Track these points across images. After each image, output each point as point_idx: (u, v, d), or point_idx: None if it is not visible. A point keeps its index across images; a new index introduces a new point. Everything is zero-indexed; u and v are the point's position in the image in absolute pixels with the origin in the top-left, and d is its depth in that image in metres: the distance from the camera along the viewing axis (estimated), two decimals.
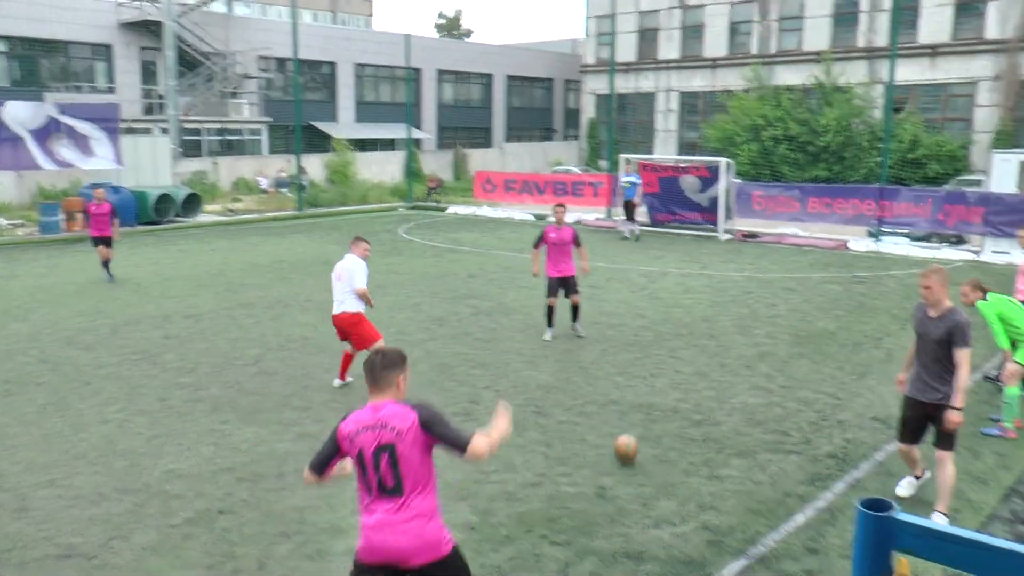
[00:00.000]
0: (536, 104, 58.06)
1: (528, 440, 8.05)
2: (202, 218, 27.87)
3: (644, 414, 8.81)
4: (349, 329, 9.79)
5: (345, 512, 6.34)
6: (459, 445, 4.00)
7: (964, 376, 6.12)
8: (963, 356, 6.10)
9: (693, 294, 15.21)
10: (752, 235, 23.30)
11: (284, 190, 35.59)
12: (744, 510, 6.55)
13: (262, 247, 21.72)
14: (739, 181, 26.34)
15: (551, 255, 12.03)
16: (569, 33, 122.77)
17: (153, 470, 7.40)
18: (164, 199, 26.47)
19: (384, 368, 4.15)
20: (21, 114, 24.90)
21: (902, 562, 2.04)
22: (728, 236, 23.25)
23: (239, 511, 6.59)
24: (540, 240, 12.19)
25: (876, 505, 2.04)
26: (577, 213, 27.81)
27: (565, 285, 12.04)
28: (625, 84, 45.75)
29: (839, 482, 7.10)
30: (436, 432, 4.03)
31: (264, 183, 36.34)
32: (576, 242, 12.09)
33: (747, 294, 15.25)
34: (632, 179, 23.65)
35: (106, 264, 17.00)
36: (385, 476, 3.99)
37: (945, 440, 6.27)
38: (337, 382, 9.92)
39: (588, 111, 48.94)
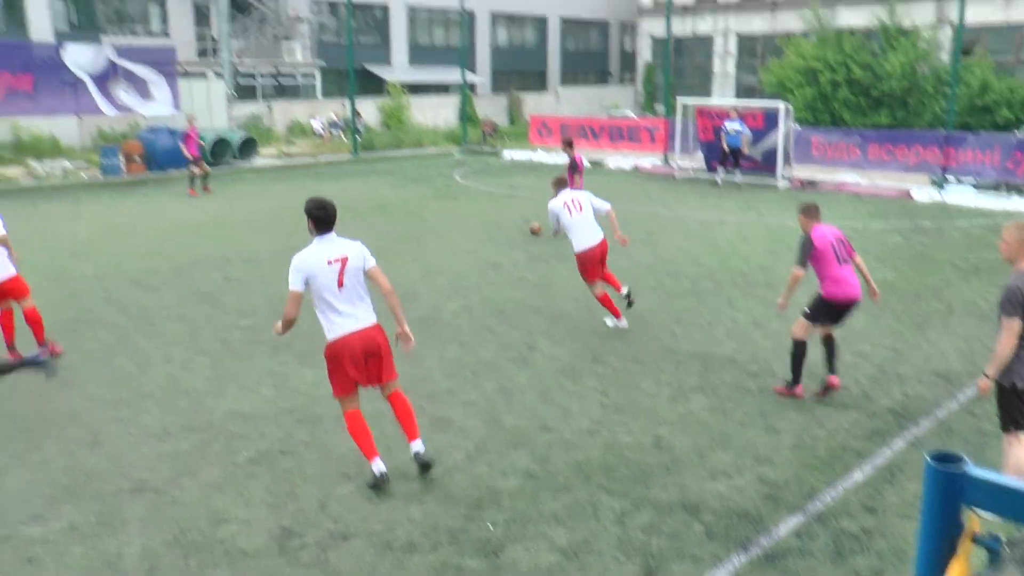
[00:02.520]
0: (591, 47, 57.15)
1: (584, 387, 8.09)
2: (258, 162, 28.14)
3: (700, 363, 8.78)
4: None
5: (405, 457, 6.45)
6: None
7: (1002, 346, 5.50)
8: (1003, 324, 5.51)
9: (751, 243, 15.01)
10: (811, 183, 22.84)
11: (337, 132, 35.70)
12: (800, 464, 6.52)
13: (317, 191, 21.69)
14: (798, 127, 25.73)
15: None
16: None
17: (216, 410, 7.60)
18: (220, 143, 26.73)
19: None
20: (81, 58, 25.22)
21: (973, 519, 2.00)
22: (786, 183, 22.82)
23: (299, 452, 6.75)
24: None
25: (946, 458, 1.99)
26: (632, 158, 27.52)
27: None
28: (682, 27, 44.77)
29: (898, 439, 7.01)
30: None
31: (318, 126, 36.46)
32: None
33: None
34: (737, 126, 22.26)
35: (204, 178, 21.22)
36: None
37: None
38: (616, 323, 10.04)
39: (644, 55, 48.04)
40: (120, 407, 7.67)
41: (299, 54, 41.73)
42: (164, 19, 39.08)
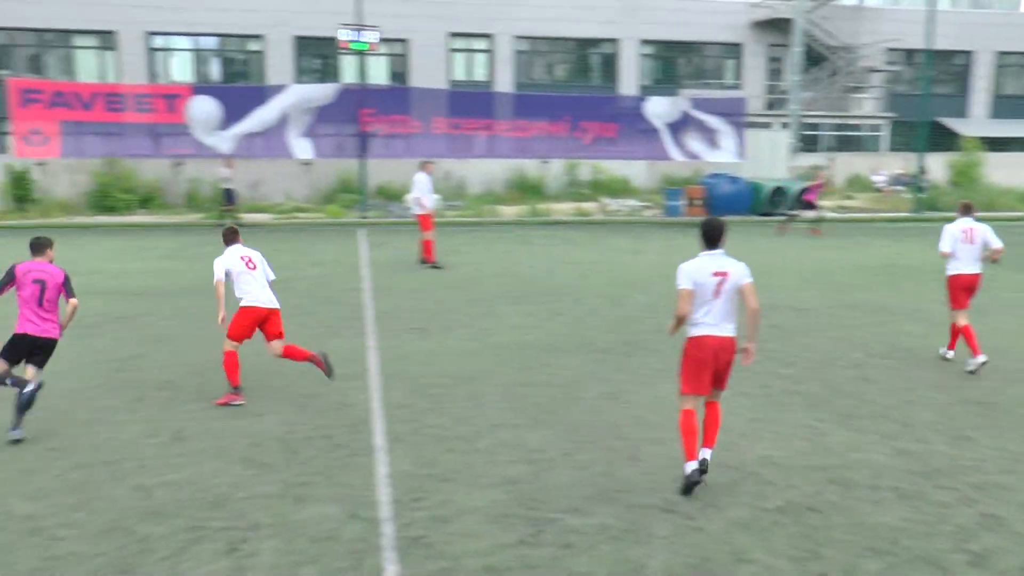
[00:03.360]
0: None
1: None
2: (808, 214, 27.86)
3: None
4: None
5: (944, 546, 5.81)
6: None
7: None
8: None
9: None
10: None
11: (900, 188, 33.95)
12: None
13: (871, 248, 21.02)
14: None
15: None
16: None
17: (749, 452, 7.62)
18: (778, 192, 27.07)
19: None
20: (660, 109, 27.48)
21: None
22: None
23: (828, 512, 6.46)
24: None
25: None
26: None
27: None
28: None
29: None
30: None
31: (880, 181, 35.04)
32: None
33: None
34: None
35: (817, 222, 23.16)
36: None
37: None
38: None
39: None
40: (659, 430, 8.10)
41: (868, 105, 40.63)
42: (738, 73, 40.88)
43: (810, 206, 24.11)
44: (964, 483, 7.02)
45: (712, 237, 6.78)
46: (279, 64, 36.97)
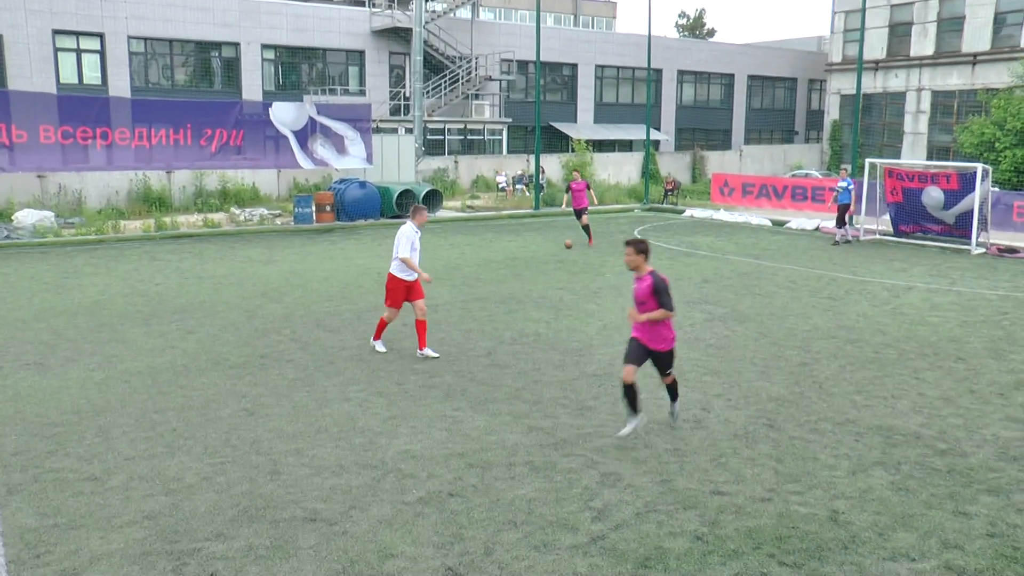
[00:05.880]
0: (777, 105, 56.24)
1: (758, 454, 7.80)
2: (442, 213, 29.18)
3: (883, 437, 8.29)
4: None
5: (573, 507, 6.44)
6: None
7: None
8: None
9: (940, 311, 14.16)
10: (1011, 250, 21.35)
11: (521, 188, 36.54)
12: (995, 554, 6.01)
13: (497, 243, 22.41)
14: (997, 190, 24.24)
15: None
16: (815, 30, 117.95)
17: (388, 448, 7.84)
18: (406, 195, 27.93)
19: None
20: (286, 116, 27.11)
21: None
22: (982, 249, 21.46)
23: (468, 496, 6.84)
24: None
25: None
26: (817, 219, 26.66)
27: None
28: (871, 83, 43.37)
29: None
30: None
31: (502, 181, 37.46)
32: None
33: (1002, 315, 13.99)
34: (846, 184, 22.91)
35: (585, 228, 22.52)
36: None
37: None
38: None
39: (832, 112, 46.80)
40: (298, 439, 8.05)
41: (488, 112, 43.23)
42: (362, 79, 41.50)
43: None
44: (587, 448, 7.82)
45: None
46: None
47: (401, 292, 11.10)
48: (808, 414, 8.95)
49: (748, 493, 6.93)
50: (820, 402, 9.35)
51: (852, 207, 23.10)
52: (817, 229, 25.73)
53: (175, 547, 5.99)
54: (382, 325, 11.41)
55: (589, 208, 23.39)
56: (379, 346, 11.43)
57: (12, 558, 5.85)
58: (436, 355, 10.99)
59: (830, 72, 46.81)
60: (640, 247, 7.85)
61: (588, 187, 23.46)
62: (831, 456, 7.77)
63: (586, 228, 22.88)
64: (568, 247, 20.85)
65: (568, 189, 23.35)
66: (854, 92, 29.24)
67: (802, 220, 26.94)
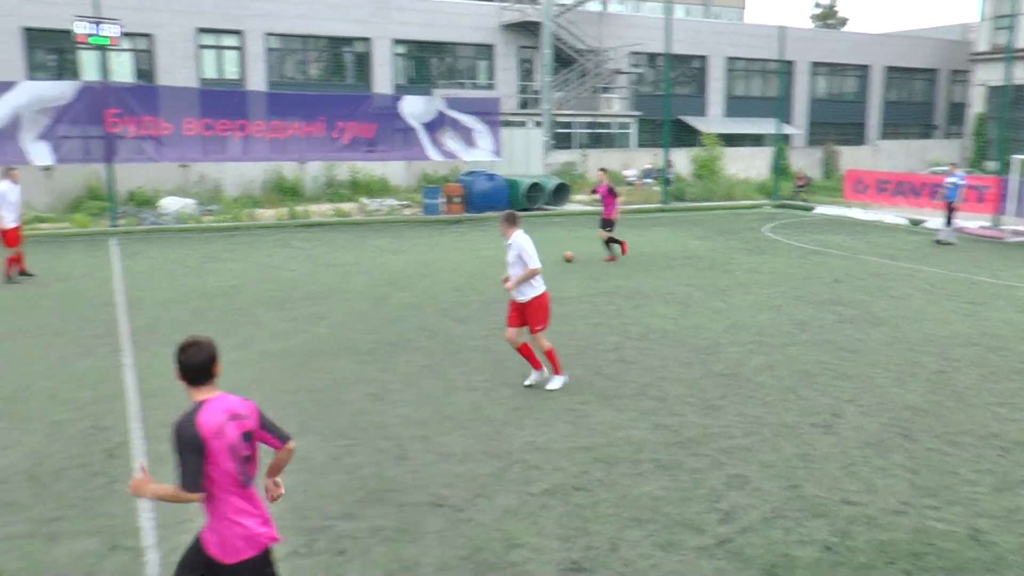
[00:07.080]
0: (915, 98, 53.66)
1: (892, 463, 7.38)
2: (569, 207, 29.10)
3: None
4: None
5: (699, 508, 6.26)
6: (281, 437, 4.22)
7: None
8: None
9: None
10: None
11: (649, 182, 36.10)
12: None
13: (626, 238, 22.12)
14: None
15: None
16: (958, 17, 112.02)
17: (514, 439, 7.80)
18: (535, 188, 27.95)
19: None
20: (415, 109, 27.57)
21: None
22: None
23: (594, 490, 6.73)
24: None
25: None
26: (958, 220, 25.29)
27: None
28: (1022, 74, 40.87)
29: None
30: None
31: (631, 175, 37.11)
32: None
33: None
34: (955, 179, 22.01)
35: (607, 243, 18.37)
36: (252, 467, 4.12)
37: None
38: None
39: (976, 105, 44.31)
40: (425, 426, 8.11)
41: (616, 105, 42.87)
42: (491, 73, 41.84)
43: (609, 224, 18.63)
44: (714, 449, 7.59)
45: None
46: (5, 58, 33.58)
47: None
48: (946, 425, 8.42)
49: (881, 505, 6.57)
50: (959, 413, 8.79)
51: (958, 204, 22.25)
52: (959, 230, 24.38)
53: (305, 523, 6.12)
54: (552, 356, 9.41)
55: (616, 219, 18.53)
56: (560, 381, 9.44)
57: (159, 523, 6.12)
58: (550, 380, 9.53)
59: (975, 62, 44.32)
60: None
61: (611, 192, 18.46)
62: (972, 471, 7.28)
63: (607, 242, 18.48)
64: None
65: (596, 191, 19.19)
66: (1003, 83, 27.45)
67: (940, 219, 25.58)
